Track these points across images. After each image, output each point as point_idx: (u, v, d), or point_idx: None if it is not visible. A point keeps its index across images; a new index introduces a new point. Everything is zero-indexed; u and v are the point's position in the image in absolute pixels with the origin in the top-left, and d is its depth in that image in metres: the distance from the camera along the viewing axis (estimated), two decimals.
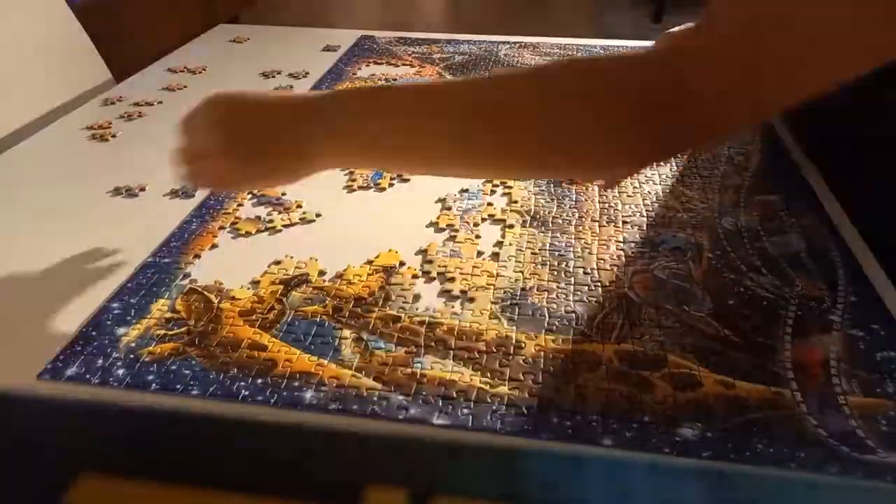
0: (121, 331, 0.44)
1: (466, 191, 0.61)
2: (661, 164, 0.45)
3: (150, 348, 0.43)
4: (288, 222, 0.57)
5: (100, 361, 0.42)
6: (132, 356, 0.42)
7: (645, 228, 0.56)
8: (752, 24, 0.35)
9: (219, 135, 0.46)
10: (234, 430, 0.19)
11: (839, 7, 0.33)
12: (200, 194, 0.61)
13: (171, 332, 0.44)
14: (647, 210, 0.58)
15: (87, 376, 0.41)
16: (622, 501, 0.15)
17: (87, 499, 0.16)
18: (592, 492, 0.15)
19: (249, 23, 1.40)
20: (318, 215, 0.58)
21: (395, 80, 0.88)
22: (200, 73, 0.90)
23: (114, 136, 0.73)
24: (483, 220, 0.57)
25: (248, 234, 0.55)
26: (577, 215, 0.57)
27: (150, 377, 0.41)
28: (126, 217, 0.58)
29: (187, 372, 0.41)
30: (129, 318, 0.45)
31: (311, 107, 0.45)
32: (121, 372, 0.41)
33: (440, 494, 0.15)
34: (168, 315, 0.46)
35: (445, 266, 0.51)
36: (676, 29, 0.41)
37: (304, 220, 0.57)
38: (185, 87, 0.85)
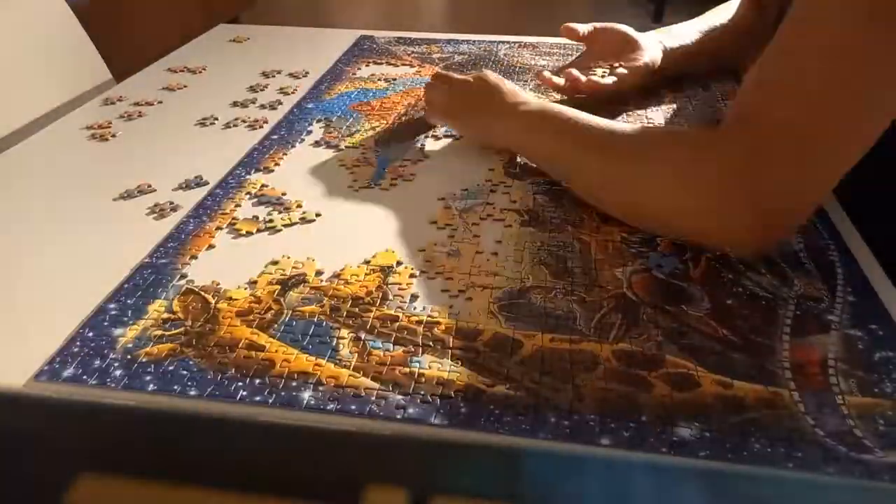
0: (118, 332, 0.44)
1: (466, 190, 0.61)
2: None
3: (148, 349, 0.43)
4: (288, 222, 0.57)
5: (97, 362, 0.42)
6: (129, 357, 0.42)
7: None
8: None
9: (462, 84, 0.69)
10: (233, 429, 0.19)
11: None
12: (192, 202, 0.61)
13: (168, 333, 0.44)
14: None
15: (85, 377, 0.41)
16: (622, 501, 0.15)
17: (86, 499, 0.16)
18: (592, 492, 0.15)
19: (249, 23, 1.40)
20: (317, 215, 0.58)
21: (394, 79, 0.88)
22: (200, 72, 0.90)
23: (114, 135, 0.73)
24: (482, 219, 0.57)
25: (247, 234, 0.55)
26: (576, 215, 0.57)
27: (148, 378, 0.41)
28: (125, 217, 0.58)
29: (185, 372, 0.41)
30: (126, 319, 0.45)
31: (513, 106, 0.64)
32: (118, 373, 0.41)
33: (440, 494, 0.15)
34: (165, 316, 0.46)
35: (444, 265, 0.51)
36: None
37: (304, 220, 0.57)
38: (185, 86, 0.85)
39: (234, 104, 0.80)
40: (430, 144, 0.71)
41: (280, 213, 0.58)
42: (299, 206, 0.59)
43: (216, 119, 0.76)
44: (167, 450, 0.19)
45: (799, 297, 0.47)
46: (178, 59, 0.95)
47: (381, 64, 0.94)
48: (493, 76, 0.67)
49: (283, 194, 0.61)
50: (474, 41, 1.03)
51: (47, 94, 0.79)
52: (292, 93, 0.84)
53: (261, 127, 0.74)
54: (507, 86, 0.66)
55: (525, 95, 0.65)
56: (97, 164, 0.68)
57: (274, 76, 0.89)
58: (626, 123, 0.59)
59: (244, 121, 0.76)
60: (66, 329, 0.44)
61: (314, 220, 0.57)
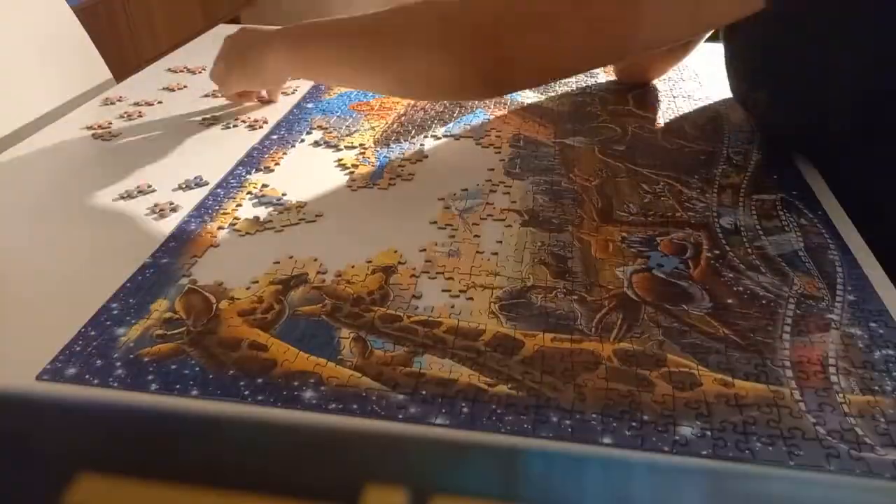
0: (120, 331, 0.44)
1: (466, 190, 0.61)
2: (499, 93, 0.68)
3: (150, 349, 0.43)
4: (288, 222, 0.57)
5: (99, 362, 0.42)
6: (131, 356, 0.42)
7: (643, 228, 0.56)
8: None
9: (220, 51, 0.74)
10: (232, 429, 0.19)
11: None
12: (192, 202, 0.61)
13: (170, 333, 0.44)
14: (645, 209, 0.58)
15: (87, 376, 0.41)
16: (622, 501, 0.15)
17: (86, 499, 0.16)
18: (592, 491, 0.15)
19: (249, 23, 1.40)
20: (318, 215, 0.58)
21: None
22: (200, 72, 0.90)
23: (114, 135, 0.73)
24: (482, 219, 0.57)
25: (247, 234, 0.55)
26: (576, 215, 0.57)
27: (150, 377, 0.41)
28: (125, 217, 0.58)
29: (187, 372, 0.41)
30: (128, 318, 0.45)
31: (273, 33, 0.69)
32: (120, 372, 0.41)
33: (440, 494, 0.15)
34: (167, 315, 0.46)
35: (445, 265, 0.51)
36: None
37: (305, 220, 0.57)
38: (185, 87, 0.85)
39: (234, 105, 0.80)
40: (430, 144, 0.71)
41: (280, 213, 0.58)
42: (300, 206, 0.59)
43: (216, 119, 0.76)
44: (167, 449, 0.19)
45: (799, 296, 0.48)
46: (178, 59, 0.95)
47: None
48: (237, 30, 0.73)
49: (284, 194, 0.61)
50: None
51: (47, 94, 0.79)
52: (292, 93, 0.84)
53: (260, 127, 0.74)
54: (248, 27, 0.73)
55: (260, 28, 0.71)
56: (97, 164, 0.68)
57: None
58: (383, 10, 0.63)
59: (244, 121, 0.76)
60: (68, 328, 0.44)
61: (315, 221, 0.57)
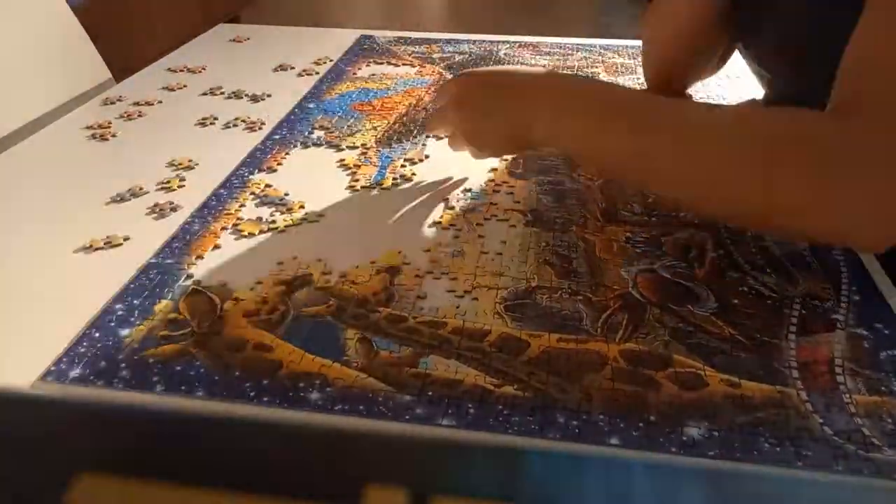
0: (124, 332, 0.44)
1: (469, 190, 0.61)
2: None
3: (154, 350, 0.43)
4: (291, 222, 0.57)
5: (103, 363, 0.42)
6: (136, 358, 0.42)
7: (647, 227, 0.56)
8: None
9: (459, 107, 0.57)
10: (231, 429, 0.19)
11: None
12: (192, 204, 0.60)
13: (174, 334, 0.44)
14: (649, 209, 0.58)
15: (91, 378, 0.41)
16: (623, 501, 0.15)
17: (87, 499, 0.16)
18: (593, 491, 0.15)
19: (249, 22, 1.40)
20: (320, 216, 0.58)
21: (395, 79, 0.88)
22: (200, 72, 0.90)
23: (114, 135, 0.73)
24: (486, 219, 0.57)
25: (250, 234, 0.55)
26: (580, 214, 0.57)
27: (155, 379, 0.41)
28: (127, 217, 0.58)
29: (192, 373, 0.41)
30: (132, 319, 0.45)
31: (542, 86, 0.54)
32: (125, 374, 0.41)
33: (440, 494, 0.15)
34: (171, 316, 0.46)
35: (449, 266, 0.51)
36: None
37: (308, 221, 0.57)
38: (184, 86, 0.85)
39: (235, 105, 0.80)
40: (431, 144, 0.71)
41: (283, 213, 0.58)
42: (302, 206, 0.59)
43: (216, 119, 0.76)
44: (166, 449, 0.19)
45: (804, 296, 0.48)
46: (178, 59, 0.94)
47: (382, 64, 0.94)
48: (463, 75, 0.60)
49: (286, 194, 0.61)
50: (474, 41, 1.03)
51: (47, 94, 0.79)
52: (292, 95, 0.83)
53: (260, 128, 0.74)
54: (496, 68, 0.59)
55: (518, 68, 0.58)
56: (97, 164, 0.68)
57: (273, 77, 0.89)
58: (707, 103, 0.54)
59: (244, 121, 0.76)
60: (72, 329, 0.44)
61: (318, 221, 0.57)
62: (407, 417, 0.38)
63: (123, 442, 0.19)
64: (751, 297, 0.48)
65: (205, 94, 0.83)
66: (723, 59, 0.74)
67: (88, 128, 0.74)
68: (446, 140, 0.66)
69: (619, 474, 0.16)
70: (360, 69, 0.91)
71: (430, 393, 0.40)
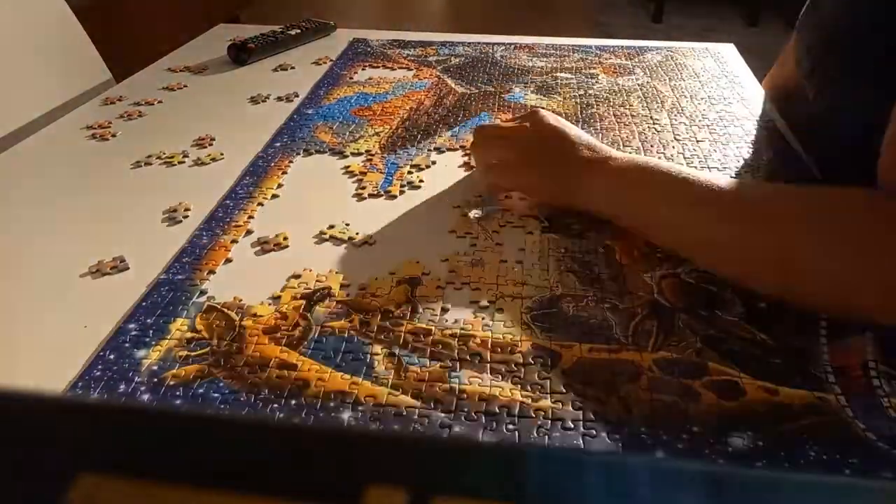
0: (140, 353, 0.42)
1: (481, 196, 0.60)
2: None
3: (174, 371, 0.41)
4: (302, 233, 0.55)
5: (122, 387, 0.40)
6: (156, 380, 0.40)
7: None
8: None
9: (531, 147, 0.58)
10: (234, 429, 0.18)
11: None
12: (197, 212, 0.59)
13: (193, 354, 0.42)
14: None
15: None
16: (624, 501, 0.14)
17: (87, 499, 0.15)
18: (594, 491, 0.14)
19: (249, 22, 1.38)
20: (331, 225, 0.56)
21: (395, 82, 0.86)
22: (200, 72, 0.88)
23: (114, 135, 0.71)
24: (501, 226, 0.56)
25: (262, 246, 0.53)
26: (596, 220, 0.56)
27: (178, 402, 0.39)
28: (129, 221, 0.56)
29: (216, 395, 0.39)
30: (147, 339, 0.44)
31: (601, 161, 0.54)
32: (146, 397, 0.39)
33: (440, 494, 0.14)
34: (189, 335, 0.44)
35: (469, 276, 0.50)
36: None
37: (320, 231, 0.55)
38: (185, 86, 0.84)
39: (235, 105, 0.79)
40: (437, 149, 0.69)
41: (293, 223, 0.56)
42: (311, 216, 0.57)
43: (216, 118, 0.75)
44: (166, 449, 0.18)
45: None
46: (178, 59, 0.93)
47: (378, 67, 0.92)
48: (551, 118, 0.58)
49: (293, 204, 0.59)
50: (469, 43, 1.02)
51: (47, 94, 0.78)
52: (290, 100, 0.82)
53: (261, 132, 0.72)
54: (573, 131, 0.57)
55: (603, 145, 0.56)
56: (97, 164, 0.66)
57: (273, 77, 0.87)
58: (747, 181, 0.55)
59: (244, 122, 0.74)
60: (83, 351, 0.42)
61: (329, 231, 0.55)
62: (445, 436, 0.37)
63: (123, 442, 0.18)
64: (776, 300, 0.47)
65: (205, 94, 0.81)
66: None
67: (88, 128, 0.73)
68: (453, 145, 0.65)
69: (620, 474, 0.16)
70: (355, 73, 0.90)
71: (465, 409, 0.39)
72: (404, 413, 0.38)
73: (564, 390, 0.40)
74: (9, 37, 0.76)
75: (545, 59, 0.95)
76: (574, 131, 0.57)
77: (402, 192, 0.62)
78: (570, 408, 0.39)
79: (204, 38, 1.02)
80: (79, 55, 0.85)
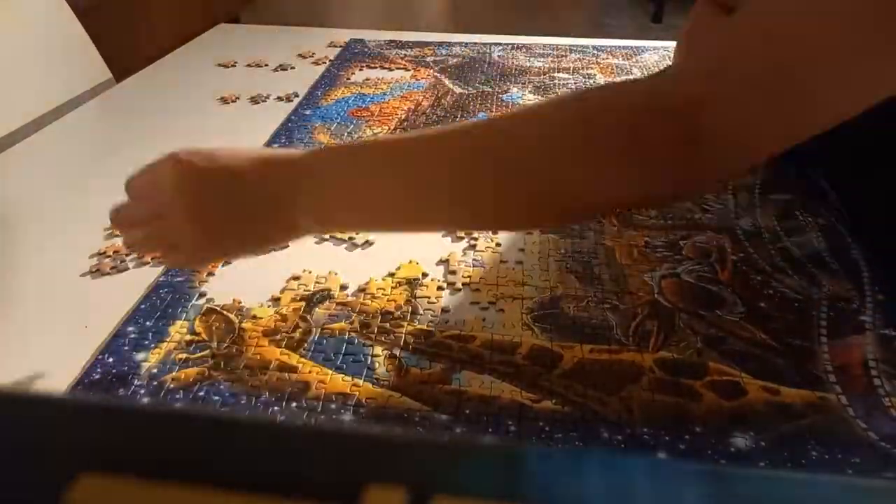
0: (140, 356, 0.42)
1: None
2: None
3: (174, 374, 0.41)
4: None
5: (122, 390, 0.40)
6: (156, 383, 0.40)
7: (665, 231, 0.55)
8: (762, 72, 0.34)
9: (183, 199, 0.40)
10: (233, 429, 0.18)
11: (839, 49, 0.32)
12: None
13: (193, 356, 0.42)
14: (664, 213, 0.58)
15: None
16: (624, 501, 0.14)
17: (87, 499, 0.15)
18: (594, 491, 0.14)
19: (249, 22, 1.38)
20: None
21: (393, 83, 0.86)
22: (200, 73, 0.88)
23: (113, 137, 0.71)
24: None
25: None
26: (595, 221, 0.56)
27: (178, 405, 0.39)
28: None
29: (217, 398, 0.39)
30: (146, 342, 0.43)
31: (291, 166, 0.39)
32: (146, 400, 0.39)
33: (440, 494, 0.14)
34: (188, 337, 0.44)
35: (469, 276, 0.50)
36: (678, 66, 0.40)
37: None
38: (185, 86, 0.84)
39: (235, 106, 0.78)
40: None
41: None
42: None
43: (216, 119, 0.74)
44: (165, 450, 0.18)
45: (829, 297, 0.47)
46: (177, 59, 0.93)
47: (375, 68, 0.92)
48: (190, 149, 0.43)
49: None
50: (467, 43, 1.02)
51: (47, 94, 0.77)
52: (290, 100, 0.82)
53: (260, 132, 0.72)
54: (225, 153, 0.41)
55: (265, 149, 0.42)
56: (97, 165, 0.66)
57: (273, 78, 0.87)
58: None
59: (244, 123, 0.74)
60: (82, 353, 0.42)
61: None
62: (447, 438, 0.37)
63: (123, 442, 0.18)
64: (776, 299, 0.47)
65: (205, 94, 0.81)
66: None
67: (88, 128, 0.72)
68: None
69: (620, 474, 0.16)
70: (353, 74, 0.90)
71: (467, 411, 0.39)
72: (406, 415, 0.38)
73: (565, 391, 0.40)
74: (9, 37, 0.76)
75: (543, 60, 0.95)
76: (226, 154, 0.41)
77: None
78: (572, 409, 0.39)
79: (204, 38, 1.02)
80: (79, 55, 0.85)
